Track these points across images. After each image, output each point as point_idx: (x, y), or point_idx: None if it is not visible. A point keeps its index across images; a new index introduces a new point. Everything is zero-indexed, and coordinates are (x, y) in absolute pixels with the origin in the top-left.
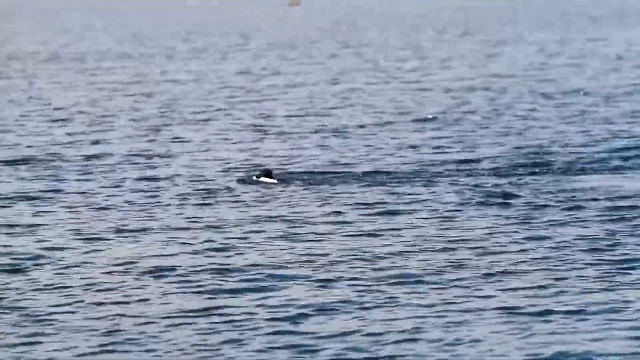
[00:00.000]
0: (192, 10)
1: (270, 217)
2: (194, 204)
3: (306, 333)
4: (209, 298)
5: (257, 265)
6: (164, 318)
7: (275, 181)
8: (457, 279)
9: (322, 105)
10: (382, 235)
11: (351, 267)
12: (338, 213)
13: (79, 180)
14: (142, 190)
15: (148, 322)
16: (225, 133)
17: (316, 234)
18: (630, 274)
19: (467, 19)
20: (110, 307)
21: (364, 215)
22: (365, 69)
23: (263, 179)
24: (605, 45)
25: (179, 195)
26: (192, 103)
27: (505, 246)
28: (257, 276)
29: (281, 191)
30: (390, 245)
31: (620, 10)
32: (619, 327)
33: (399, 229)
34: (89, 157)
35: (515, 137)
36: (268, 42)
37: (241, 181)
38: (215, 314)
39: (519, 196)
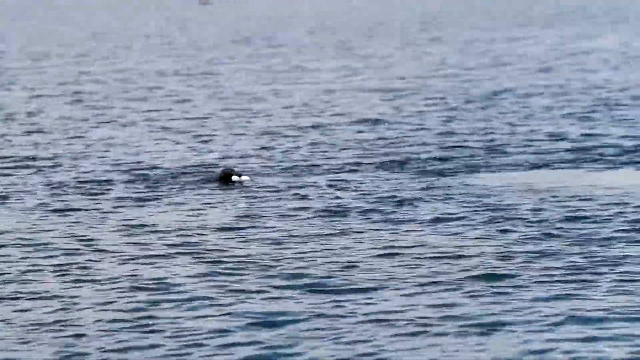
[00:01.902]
0: (96, 10)
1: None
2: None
3: (260, 342)
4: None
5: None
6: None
7: (247, 179)
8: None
9: (252, 105)
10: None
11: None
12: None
13: (42, 182)
14: (91, 193)
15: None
16: (155, 134)
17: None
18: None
19: (393, 19)
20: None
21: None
22: (286, 69)
23: (234, 178)
24: (529, 45)
25: (120, 197)
26: (118, 104)
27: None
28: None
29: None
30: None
31: (555, 10)
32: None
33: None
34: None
35: (436, 137)
36: (186, 42)
37: (205, 182)
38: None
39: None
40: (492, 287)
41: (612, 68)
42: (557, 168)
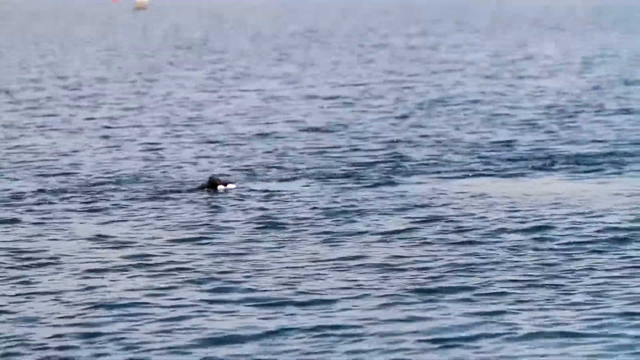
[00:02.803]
0: (34, 16)
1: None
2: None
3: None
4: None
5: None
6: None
7: (233, 186)
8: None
9: (196, 112)
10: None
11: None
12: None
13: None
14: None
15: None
16: (98, 142)
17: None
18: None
19: (336, 26)
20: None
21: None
22: (230, 76)
23: (220, 187)
24: (471, 51)
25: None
26: (60, 111)
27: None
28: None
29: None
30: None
31: (497, 16)
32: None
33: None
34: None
35: (381, 145)
36: (127, 48)
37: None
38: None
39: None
40: (438, 299)
41: (552, 75)
42: (504, 176)
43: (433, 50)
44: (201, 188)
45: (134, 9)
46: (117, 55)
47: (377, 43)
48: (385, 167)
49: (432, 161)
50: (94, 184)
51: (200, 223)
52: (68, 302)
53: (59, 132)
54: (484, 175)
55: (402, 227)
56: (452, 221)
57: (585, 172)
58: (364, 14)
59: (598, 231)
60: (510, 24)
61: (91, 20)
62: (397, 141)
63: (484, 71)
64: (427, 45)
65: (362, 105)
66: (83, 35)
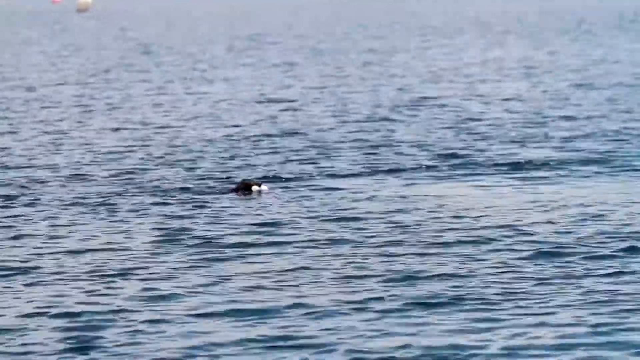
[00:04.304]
0: None
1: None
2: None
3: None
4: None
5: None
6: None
7: (265, 188)
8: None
9: (152, 117)
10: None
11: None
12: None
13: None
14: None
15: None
16: (53, 147)
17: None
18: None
19: (292, 27)
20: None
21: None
22: (185, 77)
23: (254, 188)
24: (427, 55)
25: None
26: (12, 116)
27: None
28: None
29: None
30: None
31: (454, 20)
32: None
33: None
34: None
35: (330, 151)
36: (72, 49)
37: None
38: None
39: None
40: (366, 309)
41: (513, 79)
42: (452, 180)
43: (387, 55)
44: (235, 190)
45: (77, 10)
46: (67, 58)
47: (331, 47)
48: (330, 172)
49: (383, 165)
50: (45, 190)
51: (150, 230)
52: (40, 312)
53: (11, 135)
54: (427, 178)
55: (338, 235)
56: (386, 222)
57: (540, 177)
58: (317, 15)
59: (556, 237)
60: (462, 28)
61: (35, 21)
62: (357, 147)
63: (436, 77)
64: (383, 49)
65: (310, 109)
66: (29, 37)
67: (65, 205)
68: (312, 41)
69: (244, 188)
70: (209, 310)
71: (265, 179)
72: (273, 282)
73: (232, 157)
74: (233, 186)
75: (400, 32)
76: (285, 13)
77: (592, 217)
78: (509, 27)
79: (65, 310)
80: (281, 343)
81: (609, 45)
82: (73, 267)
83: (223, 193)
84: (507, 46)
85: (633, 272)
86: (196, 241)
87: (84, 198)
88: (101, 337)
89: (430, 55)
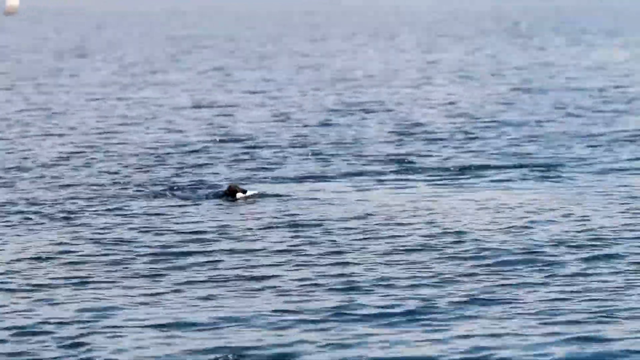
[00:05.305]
0: None
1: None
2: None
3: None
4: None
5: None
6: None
7: (254, 193)
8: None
9: (72, 121)
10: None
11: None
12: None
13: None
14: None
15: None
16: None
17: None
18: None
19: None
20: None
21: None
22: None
23: (239, 194)
24: (357, 59)
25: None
26: None
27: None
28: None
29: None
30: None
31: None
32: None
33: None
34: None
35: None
36: (9, 52)
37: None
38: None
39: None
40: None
41: (452, 82)
42: (400, 187)
43: (328, 58)
44: (221, 196)
45: (4, 13)
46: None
47: (272, 49)
48: (270, 175)
49: (332, 170)
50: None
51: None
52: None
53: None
54: (369, 182)
55: (280, 242)
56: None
57: (493, 181)
58: (258, 19)
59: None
60: (406, 29)
61: None
62: (282, 151)
63: (378, 79)
64: (322, 52)
65: (249, 114)
66: None
67: None
68: (248, 44)
69: (229, 194)
70: (162, 321)
71: (213, 186)
72: (209, 293)
73: (174, 164)
74: (220, 191)
75: (335, 34)
76: (218, 14)
77: (532, 222)
78: (446, 28)
79: (10, 324)
80: (222, 354)
81: (546, 47)
82: (12, 278)
83: (208, 198)
84: (445, 48)
85: (572, 275)
86: (131, 250)
87: (14, 205)
88: (48, 349)
89: (368, 58)
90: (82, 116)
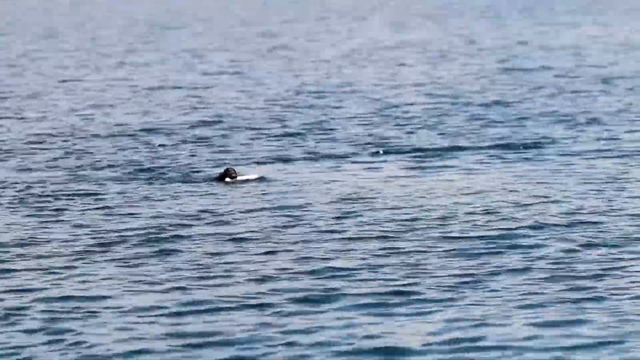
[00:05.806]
0: None
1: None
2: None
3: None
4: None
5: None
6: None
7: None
8: None
9: (35, 103)
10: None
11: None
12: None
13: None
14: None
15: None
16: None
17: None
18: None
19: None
20: None
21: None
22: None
23: (227, 179)
24: (329, 40)
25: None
26: None
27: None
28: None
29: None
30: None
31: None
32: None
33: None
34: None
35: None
36: None
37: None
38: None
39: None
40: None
41: (425, 63)
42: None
43: (296, 40)
44: (215, 179)
45: None
46: None
47: (244, 31)
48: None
49: (307, 153)
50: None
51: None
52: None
53: None
54: (343, 164)
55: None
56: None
57: (448, 164)
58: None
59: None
60: (382, 9)
61: None
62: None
63: (351, 61)
64: (291, 35)
65: (223, 95)
66: None
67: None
68: (219, 27)
69: (221, 178)
70: (143, 304)
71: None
72: (189, 278)
73: (149, 147)
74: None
75: (303, 15)
76: None
77: (510, 204)
78: (415, 8)
79: None
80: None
81: (519, 27)
82: None
83: (205, 180)
84: (416, 29)
85: (552, 258)
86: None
87: None
88: (32, 335)
89: (339, 40)
90: (54, 98)
